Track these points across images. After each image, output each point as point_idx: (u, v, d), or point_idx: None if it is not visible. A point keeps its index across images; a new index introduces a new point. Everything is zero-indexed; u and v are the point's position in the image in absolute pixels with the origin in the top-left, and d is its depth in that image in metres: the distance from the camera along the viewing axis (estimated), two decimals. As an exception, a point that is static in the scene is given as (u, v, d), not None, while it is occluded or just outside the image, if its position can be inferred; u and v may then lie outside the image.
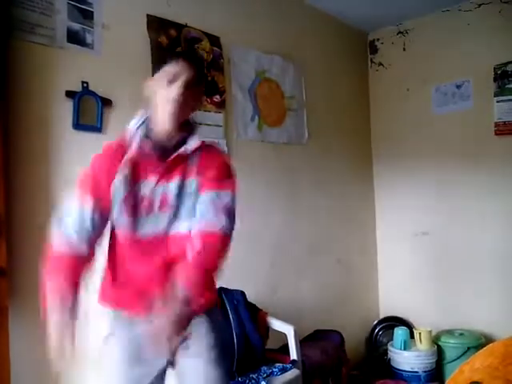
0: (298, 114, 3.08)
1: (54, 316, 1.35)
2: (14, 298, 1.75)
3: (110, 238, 1.49)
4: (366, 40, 3.81)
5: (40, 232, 1.86)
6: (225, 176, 1.45)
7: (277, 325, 2.44)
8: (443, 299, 3.33)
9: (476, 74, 3.20)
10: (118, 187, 1.39)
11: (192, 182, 1.41)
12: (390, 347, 3.16)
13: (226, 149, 2.57)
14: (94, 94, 2.00)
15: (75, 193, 1.43)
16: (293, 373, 2.24)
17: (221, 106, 2.57)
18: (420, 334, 3.03)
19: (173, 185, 1.40)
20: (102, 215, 1.41)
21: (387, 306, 3.67)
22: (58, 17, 1.93)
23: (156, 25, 2.28)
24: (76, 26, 1.99)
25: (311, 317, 3.02)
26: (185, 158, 1.42)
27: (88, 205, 1.39)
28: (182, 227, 1.41)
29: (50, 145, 1.89)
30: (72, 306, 1.36)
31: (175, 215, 1.41)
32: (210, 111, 2.51)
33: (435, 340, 3.11)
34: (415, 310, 3.48)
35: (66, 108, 1.93)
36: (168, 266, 1.38)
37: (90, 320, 1.98)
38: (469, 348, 2.93)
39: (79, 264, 1.40)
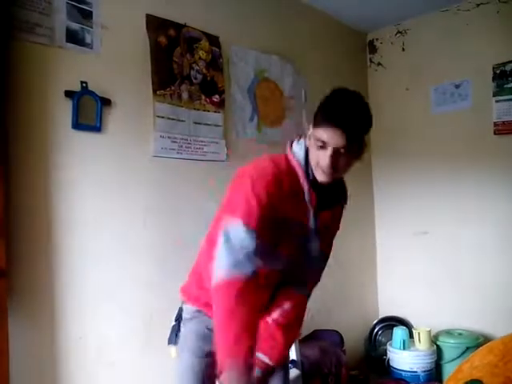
0: (297, 114, 3.08)
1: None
2: (14, 299, 1.75)
3: None
4: (365, 40, 3.81)
5: (39, 232, 1.87)
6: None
7: (276, 325, 2.43)
8: (442, 299, 3.33)
9: (475, 74, 3.20)
10: (291, 229, 1.39)
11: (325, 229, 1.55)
12: (389, 347, 3.16)
13: (225, 149, 2.58)
14: (93, 93, 2.00)
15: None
16: (292, 373, 2.24)
17: (220, 105, 2.57)
18: (419, 333, 3.03)
19: (324, 232, 1.52)
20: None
21: (386, 306, 3.67)
22: (57, 16, 1.92)
23: (155, 24, 2.28)
24: (75, 26, 1.98)
25: (310, 317, 3.02)
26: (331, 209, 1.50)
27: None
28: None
29: (49, 144, 1.89)
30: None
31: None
32: (208, 111, 2.51)
33: (434, 340, 3.11)
34: (414, 309, 3.48)
35: (66, 108, 1.93)
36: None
37: (89, 320, 2.00)
38: (468, 348, 2.93)
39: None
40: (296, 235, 1.39)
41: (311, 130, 1.33)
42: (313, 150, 1.32)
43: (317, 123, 1.29)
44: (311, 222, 1.40)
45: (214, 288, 1.25)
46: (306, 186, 1.36)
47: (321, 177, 1.32)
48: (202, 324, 1.50)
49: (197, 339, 1.50)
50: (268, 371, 1.45)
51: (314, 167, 1.33)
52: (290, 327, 1.48)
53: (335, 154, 1.27)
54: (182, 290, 1.61)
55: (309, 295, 1.59)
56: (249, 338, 1.21)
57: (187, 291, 1.59)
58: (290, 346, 1.52)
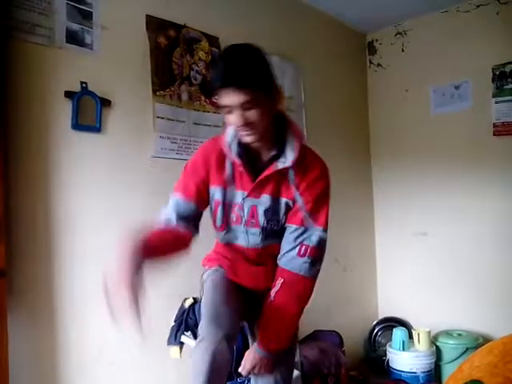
0: (296, 115, 3.08)
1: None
2: (13, 299, 1.75)
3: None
4: (365, 41, 3.81)
5: (39, 232, 1.87)
6: (319, 207, 1.46)
7: (276, 325, 2.43)
8: (442, 300, 3.33)
9: (474, 75, 3.20)
10: (216, 193, 1.45)
11: (283, 201, 1.43)
12: (388, 348, 3.16)
13: (224, 149, 2.58)
14: (93, 94, 2.00)
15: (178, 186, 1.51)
16: (292, 373, 2.24)
17: (220, 106, 2.57)
18: (418, 334, 3.03)
19: (262, 202, 1.43)
20: (197, 210, 1.48)
21: (386, 307, 3.67)
22: (56, 17, 1.93)
23: (155, 25, 2.28)
24: (75, 27, 1.99)
25: (310, 317, 3.01)
26: (276, 175, 1.41)
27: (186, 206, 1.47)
28: (271, 245, 1.50)
29: (48, 145, 1.89)
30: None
31: (263, 233, 1.47)
32: (208, 112, 2.51)
33: (434, 341, 3.11)
34: (414, 310, 3.48)
35: (65, 108, 1.93)
36: (268, 273, 1.53)
37: (88, 320, 2.00)
38: (467, 349, 2.93)
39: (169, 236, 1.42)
40: (219, 204, 1.48)
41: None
42: (227, 119, 1.36)
43: (214, 93, 1.35)
44: (232, 192, 1.46)
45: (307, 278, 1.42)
46: (229, 159, 1.44)
47: (245, 139, 1.36)
48: (221, 272, 1.61)
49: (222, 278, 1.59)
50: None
51: (238, 133, 1.39)
52: (286, 308, 1.46)
53: (242, 112, 1.29)
54: (203, 262, 1.75)
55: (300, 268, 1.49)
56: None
57: (207, 258, 1.74)
58: (291, 328, 1.51)
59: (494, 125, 3.10)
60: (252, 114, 1.30)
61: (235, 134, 1.42)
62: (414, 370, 2.97)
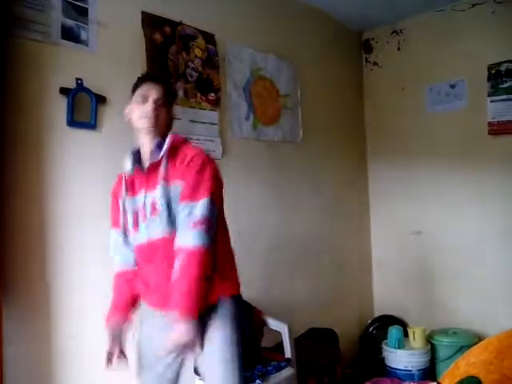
0: (292, 113, 3.08)
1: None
2: (9, 298, 1.74)
3: None
4: (361, 39, 3.82)
5: (34, 230, 1.86)
6: (200, 181, 1.51)
7: (271, 323, 2.44)
8: (437, 298, 3.35)
9: (470, 74, 3.21)
10: (122, 210, 1.62)
11: (172, 186, 1.53)
12: (384, 346, 3.16)
13: (220, 147, 2.57)
14: (88, 90, 1.99)
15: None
16: (287, 371, 2.24)
17: (216, 103, 2.57)
18: (414, 332, 3.04)
19: (157, 191, 1.53)
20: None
21: (381, 305, 3.68)
22: (52, 13, 1.92)
23: (151, 22, 2.27)
24: (70, 23, 1.98)
25: (305, 315, 3.03)
26: (159, 163, 1.55)
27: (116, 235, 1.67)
28: (173, 229, 1.52)
29: (44, 142, 1.88)
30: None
31: (163, 220, 1.52)
32: (204, 109, 2.51)
33: (429, 339, 3.11)
34: (409, 308, 3.49)
35: (60, 105, 1.93)
36: (163, 264, 1.54)
37: (87, 320, 1.99)
38: (462, 346, 2.93)
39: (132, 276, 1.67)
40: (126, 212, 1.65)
41: (131, 102, 1.65)
42: (135, 111, 1.60)
43: (134, 89, 1.65)
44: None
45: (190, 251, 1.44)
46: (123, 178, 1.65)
47: (143, 123, 1.58)
48: (147, 328, 1.69)
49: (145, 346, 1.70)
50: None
51: (138, 124, 1.61)
52: (185, 279, 1.46)
53: (155, 104, 1.57)
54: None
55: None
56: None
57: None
58: (195, 294, 1.45)
59: (490, 124, 3.11)
60: (162, 111, 1.60)
61: (129, 154, 1.64)
62: (409, 368, 2.98)
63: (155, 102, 1.58)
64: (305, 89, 3.18)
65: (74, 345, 1.94)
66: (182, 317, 1.39)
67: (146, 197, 1.57)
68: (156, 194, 1.53)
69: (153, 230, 1.54)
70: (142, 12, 2.24)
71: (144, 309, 1.68)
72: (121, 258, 1.66)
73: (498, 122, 3.08)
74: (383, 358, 3.15)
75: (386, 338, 3.18)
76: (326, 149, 3.38)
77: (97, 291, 2.00)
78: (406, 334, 3.13)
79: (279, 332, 2.41)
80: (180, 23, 2.40)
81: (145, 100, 1.58)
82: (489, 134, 3.12)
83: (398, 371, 3.02)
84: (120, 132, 2.14)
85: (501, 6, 3.08)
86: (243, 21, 2.81)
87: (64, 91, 1.92)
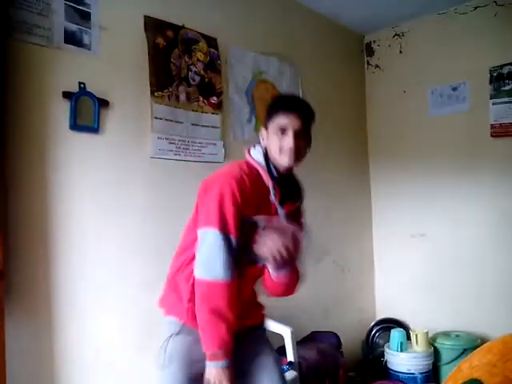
0: (294, 116, 3.08)
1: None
2: (11, 299, 1.75)
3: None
4: (363, 42, 3.82)
5: (37, 233, 1.86)
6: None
7: (273, 326, 2.43)
8: (440, 301, 3.34)
9: (472, 77, 3.21)
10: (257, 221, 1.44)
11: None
12: (386, 349, 3.16)
13: (223, 151, 2.58)
14: (91, 94, 1.99)
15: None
16: (290, 374, 2.24)
17: (218, 107, 2.57)
18: (416, 335, 3.04)
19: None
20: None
21: (384, 308, 3.67)
22: (55, 17, 1.92)
23: (153, 26, 2.28)
24: (73, 27, 1.98)
25: (308, 318, 3.02)
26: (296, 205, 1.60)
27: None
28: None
29: (47, 145, 1.89)
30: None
31: None
32: (207, 113, 2.51)
33: (431, 342, 3.11)
34: (412, 311, 3.48)
35: (63, 109, 1.93)
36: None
37: (86, 321, 1.99)
38: (465, 349, 2.93)
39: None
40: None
41: (268, 126, 1.52)
42: (274, 140, 1.48)
43: (274, 115, 1.49)
44: (280, 214, 1.51)
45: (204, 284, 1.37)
46: (270, 182, 1.49)
47: (285, 161, 1.47)
48: (191, 337, 1.48)
49: (185, 356, 1.50)
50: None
51: (277, 156, 1.48)
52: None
53: (296, 136, 1.46)
54: (160, 302, 1.64)
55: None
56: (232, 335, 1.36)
57: (167, 302, 1.61)
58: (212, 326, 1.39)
59: (492, 126, 3.11)
60: (302, 143, 1.50)
61: (267, 162, 1.52)
62: (411, 371, 2.98)
63: (296, 133, 1.47)
64: (306, 92, 3.18)
65: (76, 345, 1.94)
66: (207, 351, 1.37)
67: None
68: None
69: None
70: (145, 16, 2.25)
71: (181, 326, 1.53)
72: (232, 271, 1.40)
73: (501, 124, 3.08)
74: (386, 361, 3.14)
75: (389, 341, 3.17)
76: (328, 151, 3.38)
77: (97, 292, 2.01)
78: (408, 337, 3.12)
79: (281, 335, 2.41)
80: (182, 27, 2.41)
81: (284, 131, 1.48)
82: (491, 136, 3.12)
83: (400, 374, 3.01)
84: (123, 135, 2.16)
85: (502, 8, 3.08)
86: (245, 24, 2.81)
87: (67, 95, 1.93)
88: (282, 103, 1.54)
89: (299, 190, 1.62)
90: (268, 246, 1.34)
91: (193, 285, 1.42)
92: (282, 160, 1.48)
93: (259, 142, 1.58)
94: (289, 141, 1.45)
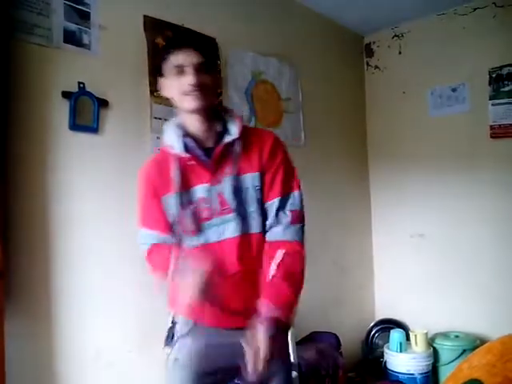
0: (294, 116, 3.08)
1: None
2: (11, 300, 1.75)
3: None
4: (362, 43, 3.83)
5: (37, 233, 1.86)
6: (290, 171, 1.40)
7: (273, 327, 2.43)
8: (439, 301, 3.34)
9: (471, 78, 3.21)
10: (172, 204, 1.33)
11: (248, 177, 1.33)
12: (385, 349, 3.16)
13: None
14: (90, 94, 1.99)
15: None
16: (289, 375, 2.24)
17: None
18: (416, 336, 3.03)
19: (227, 183, 1.32)
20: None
21: (383, 308, 3.67)
22: (54, 17, 1.92)
23: (152, 26, 2.28)
24: (73, 27, 1.98)
25: (307, 318, 3.01)
26: (231, 150, 1.33)
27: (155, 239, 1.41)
28: (251, 229, 1.34)
29: (46, 145, 1.89)
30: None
31: (239, 216, 1.32)
32: (206, 113, 2.51)
33: (431, 342, 3.11)
34: (411, 312, 3.48)
35: (63, 109, 1.93)
36: (244, 274, 1.34)
37: (86, 321, 1.99)
38: (464, 350, 2.93)
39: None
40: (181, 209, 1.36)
41: (164, 72, 1.35)
42: (173, 84, 1.31)
43: (167, 56, 1.32)
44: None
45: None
46: (175, 160, 1.34)
47: (191, 103, 1.29)
48: (201, 340, 1.39)
49: (194, 359, 1.39)
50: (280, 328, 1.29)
51: (180, 101, 1.32)
52: (292, 276, 1.32)
53: (195, 72, 1.27)
54: (170, 301, 1.44)
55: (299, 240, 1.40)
56: None
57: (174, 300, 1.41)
58: (298, 296, 1.36)
59: (491, 127, 3.12)
60: (204, 77, 1.29)
61: (175, 130, 1.37)
62: (411, 372, 2.98)
63: (195, 70, 1.28)
64: (306, 92, 3.19)
65: (76, 345, 1.94)
66: (281, 324, 1.25)
67: (210, 190, 1.32)
68: (226, 188, 1.31)
69: (224, 232, 1.32)
70: (144, 16, 2.25)
71: (191, 326, 1.41)
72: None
73: (500, 125, 3.09)
74: (385, 361, 3.14)
75: (388, 342, 3.17)
76: (327, 152, 3.38)
77: (97, 292, 2.01)
78: (407, 338, 3.12)
79: (281, 335, 2.40)
80: (182, 27, 2.41)
81: (182, 70, 1.29)
82: (490, 137, 3.12)
83: (400, 375, 3.01)
84: (122, 135, 2.15)
85: (502, 10, 3.08)
86: (244, 24, 2.81)
87: (66, 95, 1.93)
88: (175, 42, 1.42)
89: (230, 125, 1.37)
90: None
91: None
92: (187, 103, 1.30)
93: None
94: (189, 77, 1.27)
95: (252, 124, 2.78)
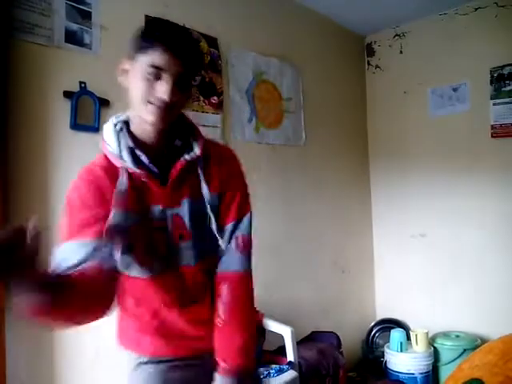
0: (295, 116, 3.08)
1: None
2: (11, 300, 1.74)
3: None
4: (363, 43, 3.83)
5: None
6: (244, 193, 1.24)
7: (274, 326, 2.44)
8: (440, 301, 3.34)
9: (472, 77, 3.21)
10: (118, 222, 1.06)
11: (207, 198, 1.16)
12: (386, 349, 3.16)
13: (223, 150, 2.58)
14: (91, 94, 1.99)
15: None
16: (290, 374, 2.24)
17: (218, 107, 2.58)
18: (416, 335, 3.03)
19: (185, 205, 1.13)
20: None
21: (384, 308, 3.67)
22: (56, 17, 1.92)
23: (154, 26, 2.28)
24: (74, 27, 1.98)
25: (308, 318, 3.02)
26: (190, 169, 1.15)
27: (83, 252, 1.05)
28: (208, 254, 1.20)
29: (47, 145, 1.89)
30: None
31: (197, 242, 1.16)
32: (207, 112, 2.51)
33: (431, 342, 3.11)
34: (412, 312, 3.48)
35: (64, 108, 1.93)
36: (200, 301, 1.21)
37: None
38: (465, 350, 2.93)
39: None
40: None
41: (133, 63, 1.08)
42: (140, 85, 1.05)
43: (143, 48, 1.07)
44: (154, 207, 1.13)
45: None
46: (122, 173, 1.10)
47: (151, 116, 1.06)
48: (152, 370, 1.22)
49: None
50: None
51: (140, 108, 1.07)
52: (240, 320, 1.19)
53: (173, 86, 1.04)
54: (120, 341, 1.28)
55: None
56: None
57: (123, 333, 1.27)
58: (251, 337, 1.20)
59: (492, 127, 3.11)
60: (179, 94, 1.07)
61: (122, 137, 1.14)
62: (411, 372, 2.98)
63: (174, 81, 1.04)
64: (307, 92, 3.19)
65: (76, 345, 1.94)
66: (242, 370, 1.15)
67: (164, 212, 1.12)
68: (184, 212, 1.13)
69: (185, 256, 1.15)
70: (146, 16, 2.25)
71: (151, 362, 1.23)
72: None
73: (501, 125, 3.08)
74: (386, 361, 3.14)
75: (389, 342, 3.17)
76: (328, 152, 3.38)
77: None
78: (408, 338, 3.12)
79: (281, 335, 2.41)
80: (183, 27, 2.41)
81: (158, 75, 1.04)
82: (492, 136, 3.12)
83: (400, 375, 3.01)
84: (123, 135, 2.15)
85: (503, 9, 3.08)
86: (246, 25, 2.82)
87: (67, 94, 1.93)
88: (163, 33, 1.07)
89: (190, 140, 1.18)
90: None
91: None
92: (149, 115, 1.06)
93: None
94: (164, 88, 1.03)
95: (253, 124, 2.78)
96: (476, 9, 3.21)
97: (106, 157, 1.16)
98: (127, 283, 1.16)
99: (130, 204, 1.09)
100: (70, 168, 1.95)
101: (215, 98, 2.56)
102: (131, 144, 1.12)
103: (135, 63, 1.08)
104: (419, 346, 3.03)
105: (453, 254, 3.29)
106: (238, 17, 2.77)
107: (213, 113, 2.54)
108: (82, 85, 1.98)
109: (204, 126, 2.48)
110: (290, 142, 3.04)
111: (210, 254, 1.20)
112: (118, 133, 1.15)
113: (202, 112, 2.49)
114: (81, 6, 2.01)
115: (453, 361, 2.96)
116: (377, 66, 3.76)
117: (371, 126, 3.80)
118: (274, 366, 2.26)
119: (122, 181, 1.10)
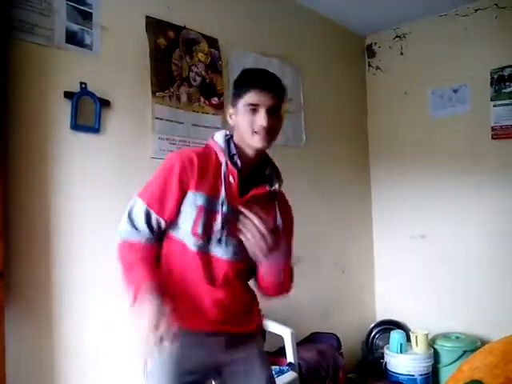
0: (295, 117, 3.08)
1: (150, 301, 1.28)
2: (11, 299, 1.75)
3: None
4: (364, 44, 3.83)
5: (37, 232, 1.86)
6: (291, 237, 1.66)
7: (273, 327, 2.43)
8: (440, 302, 3.34)
9: (473, 79, 3.21)
10: (198, 199, 1.34)
11: (278, 224, 1.48)
12: (386, 350, 3.16)
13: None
14: (92, 94, 1.99)
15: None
16: (290, 375, 2.25)
17: (219, 108, 2.57)
18: (416, 337, 3.03)
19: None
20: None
21: (384, 310, 3.67)
22: (56, 17, 1.93)
23: (155, 26, 2.28)
24: (75, 27, 1.99)
25: (308, 319, 3.02)
26: (265, 197, 1.44)
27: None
28: (240, 260, 1.43)
29: (48, 145, 1.89)
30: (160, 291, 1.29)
31: (239, 245, 1.37)
32: (208, 113, 2.51)
33: (431, 343, 3.11)
34: (412, 313, 3.48)
35: (64, 108, 1.93)
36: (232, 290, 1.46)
37: (85, 320, 1.99)
38: (465, 351, 2.93)
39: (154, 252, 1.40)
40: (202, 211, 1.36)
41: (237, 104, 1.38)
42: (244, 119, 1.35)
43: (242, 92, 1.36)
44: (223, 197, 1.38)
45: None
46: (223, 157, 1.40)
47: (258, 142, 1.36)
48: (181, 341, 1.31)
49: (173, 357, 1.37)
50: None
51: (247, 137, 1.36)
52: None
53: (268, 114, 1.34)
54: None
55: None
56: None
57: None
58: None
59: (493, 128, 3.11)
60: (275, 121, 1.37)
61: (230, 144, 1.43)
62: (411, 373, 2.98)
63: (268, 111, 1.34)
64: (308, 93, 3.19)
65: (76, 345, 1.94)
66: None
67: (232, 213, 1.36)
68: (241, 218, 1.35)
69: (232, 250, 1.40)
70: (146, 16, 2.25)
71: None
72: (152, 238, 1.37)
73: (501, 126, 3.08)
74: (385, 362, 3.14)
75: (389, 343, 3.17)
76: (328, 153, 3.38)
77: (97, 292, 2.01)
78: (408, 339, 3.12)
79: (281, 336, 2.41)
80: (184, 28, 2.41)
81: (255, 109, 1.34)
82: (492, 138, 3.12)
83: (400, 376, 3.01)
84: (124, 136, 2.16)
85: (504, 11, 3.08)
86: (246, 25, 2.82)
87: (68, 95, 1.93)
88: (252, 78, 1.41)
89: (274, 175, 1.50)
90: (251, 228, 1.28)
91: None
92: (254, 140, 1.36)
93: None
94: (261, 119, 1.33)
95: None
96: (476, 10, 3.21)
97: (202, 152, 1.42)
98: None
99: (212, 191, 1.36)
100: (70, 168, 1.95)
101: (216, 98, 2.56)
102: (234, 151, 1.42)
103: (237, 106, 1.38)
104: (419, 348, 3.02)
105: (453, 254, 3.29)
106: (239, 18, 2.77)
107: (213, 114, 2.54)
108: (83, 85, 1.98)
109: (204, 127, 2.48)
110: (291, 143, 3.04)
111: (241, 258, 1.42)
112: (228, 140, 1.44)
113: (203, 113, 2.49)
114: (81, 7, 2.01)
115: (453, 362, 2.96)
116: (377, 67, 3.76)
117: (372, 127, 3.80)
118: (273, 367, 2.26)
119: (222, 170, 1.38)
